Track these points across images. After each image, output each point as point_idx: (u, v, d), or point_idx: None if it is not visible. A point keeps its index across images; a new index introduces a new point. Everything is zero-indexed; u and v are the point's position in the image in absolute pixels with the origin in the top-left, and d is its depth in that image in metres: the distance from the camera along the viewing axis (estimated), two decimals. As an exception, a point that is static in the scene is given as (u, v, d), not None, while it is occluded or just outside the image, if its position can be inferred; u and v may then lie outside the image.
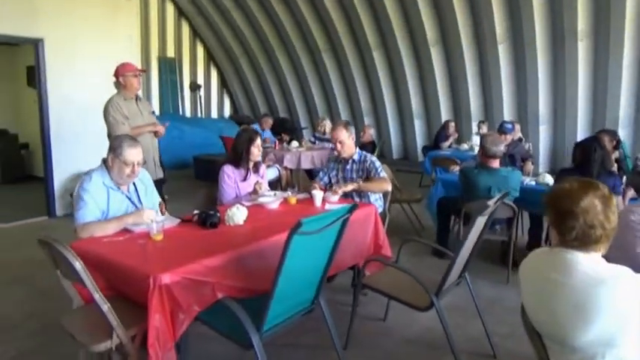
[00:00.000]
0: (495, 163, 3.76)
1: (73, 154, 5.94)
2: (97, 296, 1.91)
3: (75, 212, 2.47)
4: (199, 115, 12.49)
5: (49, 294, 3.61)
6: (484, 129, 8.44)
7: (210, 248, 2.21)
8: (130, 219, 2.49)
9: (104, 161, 2.70)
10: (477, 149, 7.35)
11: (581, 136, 8.32)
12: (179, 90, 12.14)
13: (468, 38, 8.69)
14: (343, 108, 11.28)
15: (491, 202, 2.47)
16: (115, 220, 2.49)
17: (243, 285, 2.16)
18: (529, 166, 5.09)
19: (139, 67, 4.51)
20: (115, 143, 2.59)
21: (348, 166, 3.62)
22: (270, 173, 5.63)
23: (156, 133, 4.10)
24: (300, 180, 6.83)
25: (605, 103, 7.85)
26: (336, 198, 3.33)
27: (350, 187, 3.39)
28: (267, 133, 7.60)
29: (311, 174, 6.70)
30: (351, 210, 2.13)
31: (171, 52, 11.70)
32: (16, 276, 4.00)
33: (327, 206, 3.20)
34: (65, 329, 2.09)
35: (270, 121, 7.43)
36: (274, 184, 5.73)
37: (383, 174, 3.47)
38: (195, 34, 12.22)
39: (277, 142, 7.09)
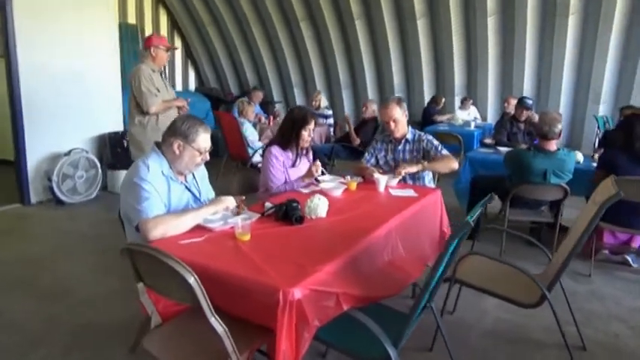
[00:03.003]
0: (552, 146, 3.53)
1: (47, 132, 5.27)
2: (213, 319, 1.54)
3: (136, 205, 2.02)
4: (163, 87, 11.64)
5: (55, 295, 3.13)
6: (468, 105, 8.42)
7: (322, 250, 1.88)
8: (210, 209, 2.10)
9: (158, 146, 2.27)
10: (472, 125, 7.34)
11: (564, 111, 8.45)
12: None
13: (457, 11, 8.49)
14: (320, 81, 10.85)
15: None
16: (190, 212, 2.08)
17: (361, 293, 1.84)
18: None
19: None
20: (186, 128, 2.15)
21: (400, 147, 3.33)
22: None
23: (180, 109, 3.73)
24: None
25: (590, 79, 7.98)
26: (395, 182, 3.06)
27: (415, 169, 3.11)
28: (257, 108, 7.08)
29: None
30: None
31: (132, 19, 10.70)
32: (8, 275, 3.45)
33: (392, 192, 2.92)
34: (153, 355, 1.71)
35: (260, 95, 6.92)
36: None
37: (445, 151, 3.21)
38: (158, -1, 11.25)
39: (272, 117, 6.63)
